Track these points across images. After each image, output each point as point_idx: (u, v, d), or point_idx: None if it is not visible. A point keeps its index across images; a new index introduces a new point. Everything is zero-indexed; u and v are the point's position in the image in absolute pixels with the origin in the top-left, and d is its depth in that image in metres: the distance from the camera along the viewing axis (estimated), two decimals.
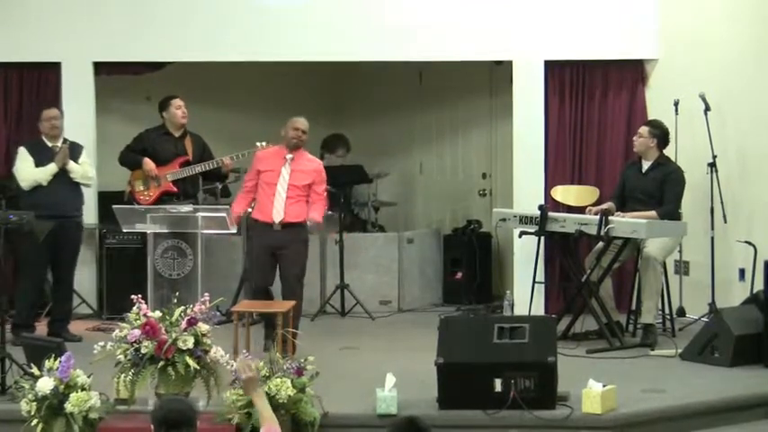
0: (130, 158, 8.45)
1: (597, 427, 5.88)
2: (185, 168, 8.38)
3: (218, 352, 5.89)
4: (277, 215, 7.49)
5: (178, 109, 8.40)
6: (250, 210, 7.83)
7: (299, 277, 7.56)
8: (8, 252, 6.77)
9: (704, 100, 8.25)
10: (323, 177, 7.70)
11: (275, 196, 7.51)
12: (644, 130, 7.97)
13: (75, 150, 7.99)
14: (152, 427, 4.24)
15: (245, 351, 6.39)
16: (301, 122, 7.62)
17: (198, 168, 8.37)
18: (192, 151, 8.45)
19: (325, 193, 7.77)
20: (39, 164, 7.85)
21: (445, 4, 8.85)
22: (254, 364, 5.26)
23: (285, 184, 7.53)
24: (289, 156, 7.59)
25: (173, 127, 8.45)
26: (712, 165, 8.20)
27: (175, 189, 8.37)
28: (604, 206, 7.83)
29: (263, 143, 7.94)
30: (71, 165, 7.89)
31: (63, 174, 7.86)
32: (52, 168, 7.82)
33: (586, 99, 8.96)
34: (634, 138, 8.05)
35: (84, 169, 8.00)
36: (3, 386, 6.25)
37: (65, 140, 7.98)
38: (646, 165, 7.95)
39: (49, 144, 7.94)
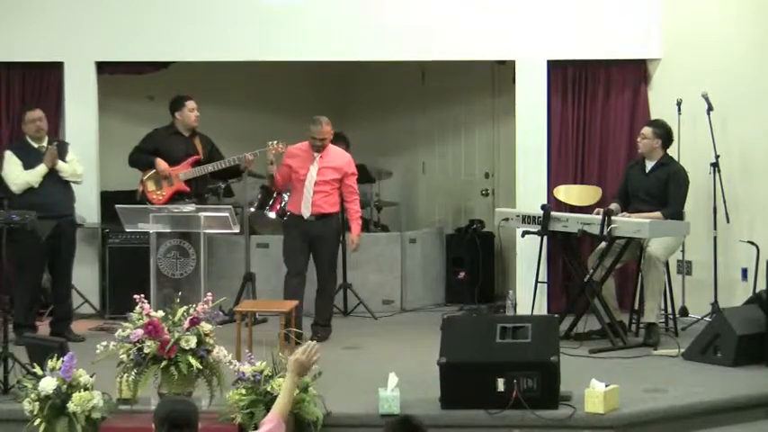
0: (142, 159, 8.39)
1: (600, 427, 5.88)
2: (198, 168, 8.34)
3: (220, 352, 5.90)
4: (306, 210, 7.89)
5: (192, 111, 8.35)
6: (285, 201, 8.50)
7: (331, 264, 8.08)
8: (10, 252, 6.76)
9: (707, 100, 8.25)
10: (353, 170, 8.12)
11: (304, 193, 7.90)
12: (647, 131, 7.95)
13: (61, 149, 7.95)
14: (153, 425, 4.24)
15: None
16: (319, 132, 7.88)
17: (210, 167, 8.32)
18: (201, 151, 8.43)
19: (356, 187, 8.15)
20: (27, 166, 7.80)
21: (448, 4, 8.84)
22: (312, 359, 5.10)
23: (313, 182, 7.90)
24: (316, 154, 7.93)
25: (183, 127, 8.39)
26: (715, 164, 8.19)
27: (187, 188, 8.34)
28: (610, 207, 7.81)
29: (275, 142, 8.07)
30: (60, 164, 7.86)
31: (52, 174, 7.83)
32: (42, 170, 7.79)
33: (589, 99, 8.96)
34: (638, 139, 8.02)
35: (72, 167, 7.97)
36: (6, 386, 6.26)
37: (50, 140, 7.93)
38: (649, 165, 7.93)
39: (35, 145, 7.90)
